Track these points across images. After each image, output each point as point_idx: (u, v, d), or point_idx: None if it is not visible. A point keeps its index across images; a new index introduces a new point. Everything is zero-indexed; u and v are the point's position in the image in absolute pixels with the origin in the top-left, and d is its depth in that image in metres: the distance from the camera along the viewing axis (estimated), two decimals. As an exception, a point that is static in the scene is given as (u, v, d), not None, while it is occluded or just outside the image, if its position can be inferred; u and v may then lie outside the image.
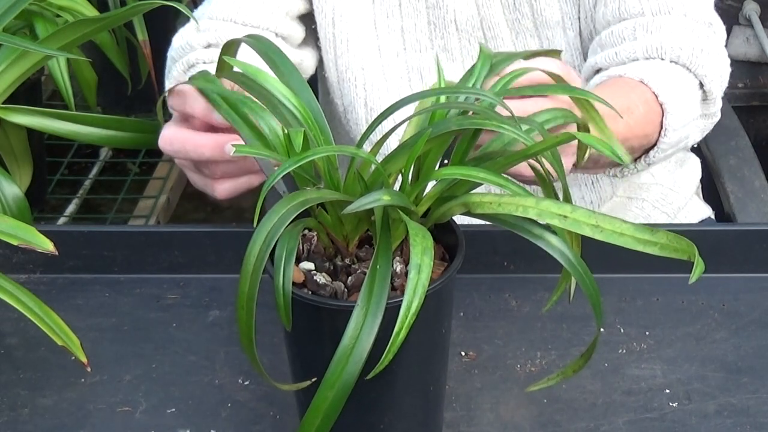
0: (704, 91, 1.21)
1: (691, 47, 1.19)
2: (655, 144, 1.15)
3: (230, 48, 0.92)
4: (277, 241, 0.75)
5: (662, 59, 1.19)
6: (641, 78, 1.15)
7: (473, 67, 0.89)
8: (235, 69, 0.89)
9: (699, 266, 0.74)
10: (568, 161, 0.97)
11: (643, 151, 1.16)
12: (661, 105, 1.13)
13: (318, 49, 1.37)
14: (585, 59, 1.30)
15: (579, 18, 1.29)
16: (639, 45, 1.20)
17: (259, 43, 0.88)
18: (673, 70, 1.18)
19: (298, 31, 1.34)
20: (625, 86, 1.14)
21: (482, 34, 1.31)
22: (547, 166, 0.82)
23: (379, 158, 0.81)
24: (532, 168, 0.84)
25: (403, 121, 0.85)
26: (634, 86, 1.14)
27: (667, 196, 1.41)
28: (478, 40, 1.31)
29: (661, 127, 1.14)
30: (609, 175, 1.20)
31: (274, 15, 1.30)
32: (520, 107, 0.88)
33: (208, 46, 1.27)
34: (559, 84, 0.89)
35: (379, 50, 1.32)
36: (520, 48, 1.30)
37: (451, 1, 1.30)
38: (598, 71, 1.24)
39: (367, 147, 0.84)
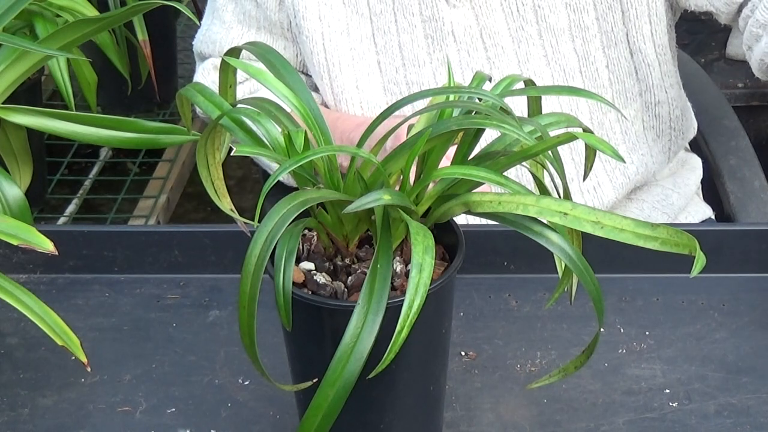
0: None
1: None
2: None
3: (232, 55, 0.92)
4: (277, 242, 0.75)
5: None
6: None
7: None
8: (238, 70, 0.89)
9: (700, 260, 0.74)
10: None
11: None
12: None
13: None
14: (595, 68, 1.29)
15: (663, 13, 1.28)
16: None
17: (258, 48, 0.88)
18: None
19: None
20: None
21: (482, 44, 1.29)
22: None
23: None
24: (532, 173, 0.84)
25: (403, 122, 0.85)
26: None
27: (668, 196, 1.40)
28: (478, 50, 1.29)
29: None
30: None
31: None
32: None
33: (244, 81, 1.35)
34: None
35: (379, 66, 1.32)
36: (523, 58, 1.29)
37: (447, 13, 1.28)
38: None
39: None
